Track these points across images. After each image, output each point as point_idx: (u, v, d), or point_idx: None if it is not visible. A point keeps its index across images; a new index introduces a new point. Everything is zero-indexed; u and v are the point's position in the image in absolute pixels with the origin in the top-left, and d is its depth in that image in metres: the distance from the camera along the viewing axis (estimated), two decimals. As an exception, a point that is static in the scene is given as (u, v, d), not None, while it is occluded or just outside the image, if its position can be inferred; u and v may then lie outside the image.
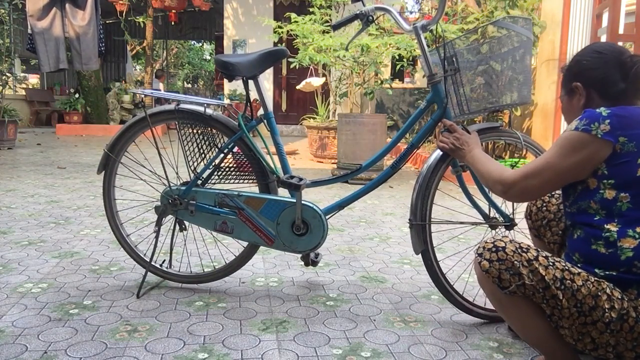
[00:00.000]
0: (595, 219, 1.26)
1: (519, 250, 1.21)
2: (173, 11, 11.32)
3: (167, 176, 1.93)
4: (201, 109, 1.91)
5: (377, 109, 8.90)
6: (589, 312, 1.17)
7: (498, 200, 1.78)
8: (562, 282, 1.18)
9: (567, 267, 1.21)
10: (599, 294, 1.18)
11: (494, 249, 1.23)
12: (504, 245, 1.22)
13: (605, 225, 1.24)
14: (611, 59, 1.32)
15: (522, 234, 1.92)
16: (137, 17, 10.08)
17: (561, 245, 1.59)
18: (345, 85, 6.92)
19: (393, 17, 1.84)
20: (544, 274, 1.18)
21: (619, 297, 1.19)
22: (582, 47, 1.56)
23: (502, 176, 1.38)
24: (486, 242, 1.26)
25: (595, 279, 1.21)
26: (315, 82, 6.89)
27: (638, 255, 1.19)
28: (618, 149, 1.22)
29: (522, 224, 1.81)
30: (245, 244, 1.99)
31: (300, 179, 1.85)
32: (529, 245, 1.24)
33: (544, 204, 1.63)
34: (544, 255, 1.23)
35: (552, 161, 1.28)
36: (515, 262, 1.19)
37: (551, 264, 1.21)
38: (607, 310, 1.17)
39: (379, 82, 6.31)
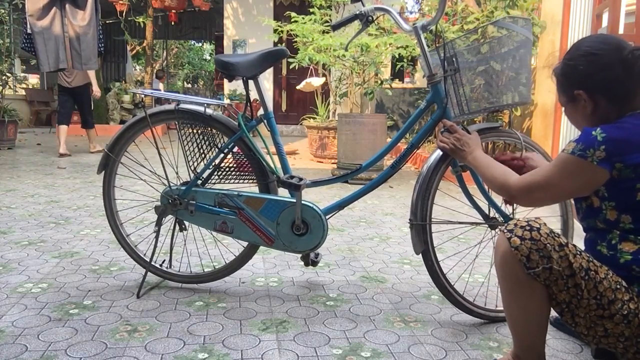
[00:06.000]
0: (602, 226, 1.28)
1: (552, 234, 1.19)
2: (173, 11, 11.32)
3: (167, 176, 1.93)
4: (201, 109, 1.91)
5: (377, 109, 8.90)
6: (607, 306, 1.17)
7: (498, 200, 1.78)
8: (587, 272, 1.18)
9: (591, 259, 1.21)
10: (618, 287, 1.18)
11: (527, 228, 1.19)
12: (538, 226, 1.20)
13: (612, 229, 1.25)
14: (610, 60, 1.24)
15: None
16: (137, 17, 10.08)
17: None
18: (345, 85, 6.92)
19: (393, 17, 1.84)
20: (572, 261, 1.17)
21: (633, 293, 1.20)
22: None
23: (506, 183, 1.36)
24: (519, 220, 1.23)
25: (613, 273, 1.21)
26: (315, 82, 6.89)
27: (636, 259, 1.19)
28: (615, 175, 1.20)
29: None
30: (245, 244, 1.99)
31: (300, 179, 1.85)
32: (558, 233, 1.23)
33: None
34: (572, 243, 1.22)
35: (553, 182, 1.26)
36: (548, 245, 1.17)
37: (578, 252, 1.20)
38: (625, 302, 1.17)
39: (379, 82, 6.31)
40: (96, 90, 6.71)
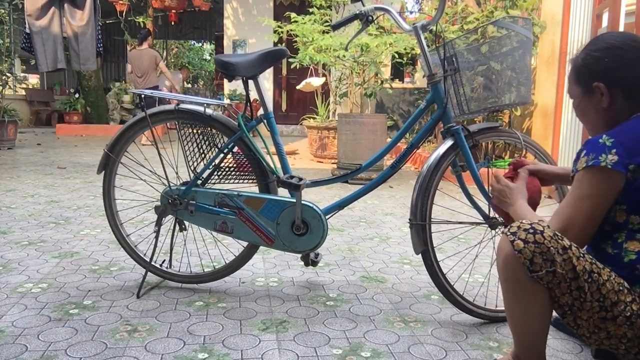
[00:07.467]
0: (608, 229, 1.27)
1: (555, 237, 1.17)
2: (173, 11, 11.32)
3: (167, 176, 1.93)
4: (201, 108, 1.91)
5: (377, 109, 8.90)
6: (610, 308, 1.16)
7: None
8: (590, 274, 1.17)
9: (594, 261, 1.20)
10: (621, 288, 1.18)
11: (531, 230, 1.18)
12: (542, 229, 1.18)
13: (619, 230, 1.25)
14: (636, 57, 1.24)
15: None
16: (137, 17, 10.08)
17: None
18: (345, 85, 6.92)
19: (392, 17, 1.84)
20: (575, 264, 1.16)
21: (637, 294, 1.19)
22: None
23: None
24: (522, 223, 1.21)
25: (616, 274, 1.20)
26: (315, 82, 6.89)
27: None
28: (629, 177, 1.20)
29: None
30: (245, 244, 1.99)
31: (300, 179, 1.85)
32: (562, 235, 1.22)
33: None
34: (575, 245, 1.20)
35: (578, 205, 1.23)
36: (552, 248, 1.15)
37: (582, 255, 1.18)
38: (628, 304, 1.17)
39: (379, 82, 6.31)
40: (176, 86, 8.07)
